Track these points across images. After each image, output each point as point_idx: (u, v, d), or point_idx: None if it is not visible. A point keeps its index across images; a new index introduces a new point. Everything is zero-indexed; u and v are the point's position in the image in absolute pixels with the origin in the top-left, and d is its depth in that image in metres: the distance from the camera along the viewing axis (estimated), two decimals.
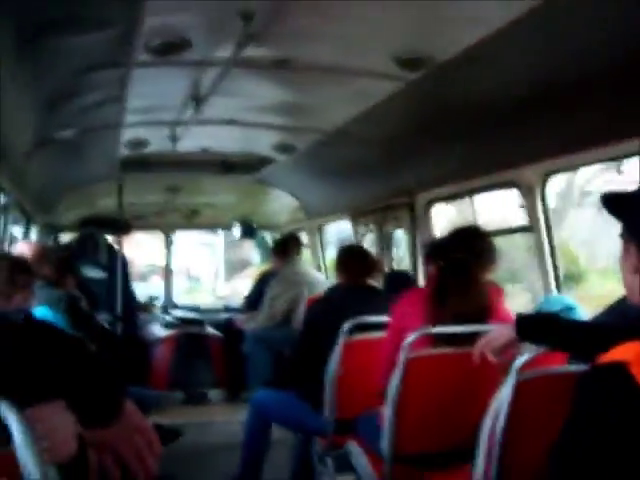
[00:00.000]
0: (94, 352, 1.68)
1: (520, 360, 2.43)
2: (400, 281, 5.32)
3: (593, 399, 1.46)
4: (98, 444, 1.50)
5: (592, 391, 1.47)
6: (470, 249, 3.50)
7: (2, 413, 1.20)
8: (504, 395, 2.45)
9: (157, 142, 5.84)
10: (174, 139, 5.55)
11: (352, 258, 4.59)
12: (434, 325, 3.30)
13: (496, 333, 2.59)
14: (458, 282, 3.41)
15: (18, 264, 3.73)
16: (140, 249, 8.77)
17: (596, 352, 1.54)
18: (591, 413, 1.45)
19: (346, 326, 3.96)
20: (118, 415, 1.52)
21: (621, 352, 1.46)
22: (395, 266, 6.01)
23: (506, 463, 2.48)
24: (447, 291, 3.42)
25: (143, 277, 9.33)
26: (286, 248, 6.77)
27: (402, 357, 3.21)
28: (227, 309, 8.54)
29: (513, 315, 3.54)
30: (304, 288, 6.45)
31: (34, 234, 6.51)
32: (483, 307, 3.37)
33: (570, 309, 3.65)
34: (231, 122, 5.16)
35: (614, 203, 1.77)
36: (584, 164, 3.83)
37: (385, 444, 3.31)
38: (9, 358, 1.28)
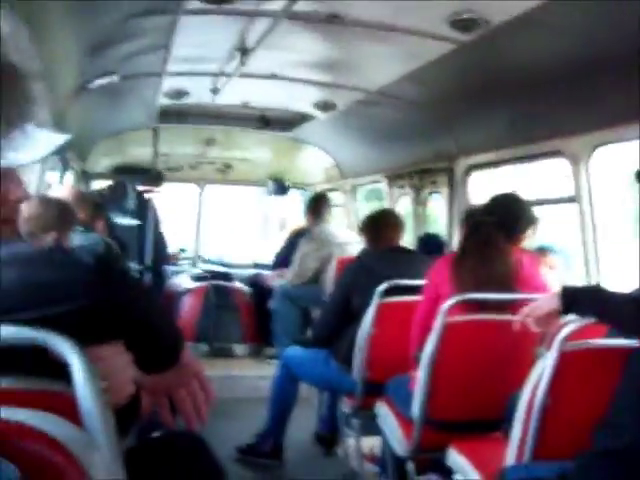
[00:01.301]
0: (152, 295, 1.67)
1: (565, 331, 2.40)
2: (433, 244, 5.31)
3: None
4: (155, 388, 1.51)
5: None
6: (498, 214, 3.46)
7: (63, 352, 1.19)
8: (546, 366, 2.43)
9: (197, 93, 5.80)
10: (215, 91, 5.52)
11: (381, 223, 4.57)
12: (458, 289, 3.28)
13: (540, 302, 2.56)
14: (477, 246, 3.39)
15: (66, 206, 3.75)
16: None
17: None
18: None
19: (381, 287, 3.95)
20: (177, 360, 1.52)
21: None
22: (429, 230, 5.97)
23: (543, 433, 2.46)
24: (466, 255, 3.40)
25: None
26: (318, 207, 6.74)
27: (439, 322, 3.19)
28: (256, 265, 8.54)
29: (549, 284, 3.54)
30: (335, 248, 6.43)
31: (69, 180, 6.52)
32: (505, 272, 3.34)
33: None
34: (273, 76, 5.10)
35: None
36: (634, 138, 3.74)
37: (416, 408, 3.31)
38: (77, 297, 1.27)
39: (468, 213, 4.11)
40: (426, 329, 3.36)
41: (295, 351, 4.78)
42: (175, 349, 1.54)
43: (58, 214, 3.58)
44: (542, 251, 4.13)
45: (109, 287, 1.34)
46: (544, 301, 2.56)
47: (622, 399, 1.51)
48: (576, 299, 2.47)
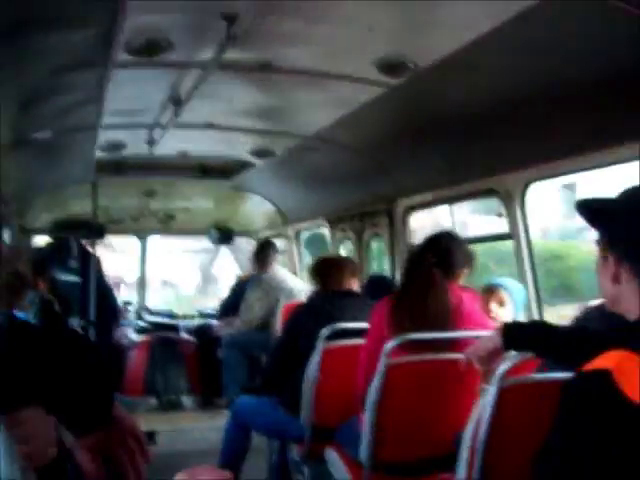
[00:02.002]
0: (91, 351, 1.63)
1: (503, 367, 2.42)
2: (380, 286, 5.31)
3: (577, 406, 1.46)
4: (90, 449, 1.47)
5: (576, 398, 1.48)
6: (434, 253, 3.49)
7: None
8: (487, 402, 2.44)
9: (134, 145, 5.78)
10: (152, 142, 5.50)
11: (329, 266, 4.57)
12: (397, 330, 3.29)
13: (482, 341, 2.58)
14: (415, 286, 3.42)
15: (18, 274, 3.67)
16: (115, 255, 8.63)
17: (582, 360, 1.54)
18: (576, 420, 1.46)
19: (325, 332, 3.93)
20: (109, 419, 1.49)
21: (605, 360, 1.46)
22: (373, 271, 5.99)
23: (488, 470, 2.46)
24: (405, 295, 3.42)
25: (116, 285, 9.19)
26: (264, 254, 6.74)
27: (381, 364, 3.19)
28: (201, 315, 8.47)
29: (489, 321, 3.57)
30: (282, 294, 6.42)
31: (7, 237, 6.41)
32: (443, 311, 3.36)
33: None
34: (210, 126, 5.12)
35: (588, 211, 1.77)
36: (564, 173, 3.83)
37: (364, 451, 3.28)
38: None
39: (409, 253, 4.14)
40: (371, 372, 3.35)
41: (243, 400, 4.72)
42: (105, 408, 1.51)
43: (9, 285, 3.50)
44: (492, 288, 4.16)
45: (20, 351, 1.31)
46: (486, 339, 2.58)
47: (553, 431, 1.52)
48: (516, 335, 2.49)
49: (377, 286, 5.24)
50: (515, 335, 2.50)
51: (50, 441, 1.29)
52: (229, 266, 9.25)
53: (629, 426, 1.38)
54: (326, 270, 4.54)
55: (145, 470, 1.64)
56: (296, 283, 6.78)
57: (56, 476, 1.33)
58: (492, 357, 2.55)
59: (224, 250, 9.13)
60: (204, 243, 9.02)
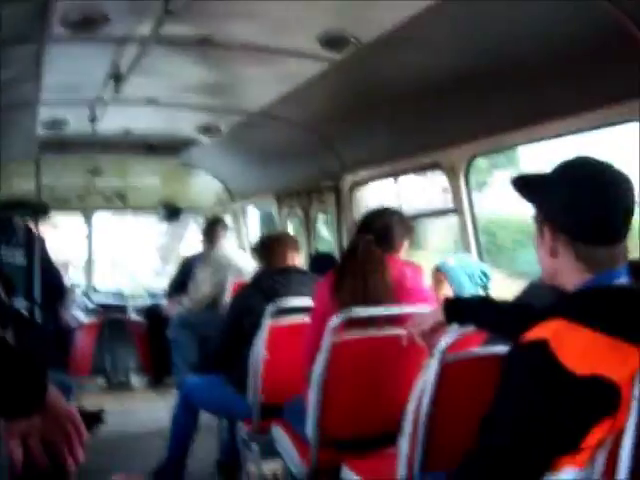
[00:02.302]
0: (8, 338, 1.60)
1: (444, 341, 2.43)
2: (325, 263, 5.31)
3: (519, 375, 1.50)
4: (24, 433, 1.45)
5: (517, 368, 1.51)
6: (374, 229, 3.48)
7: None
8: (428, 377, 2.44)
9: (76, 122, 5.68)
10: (94, 119, 5.41)
11: (272, 243, 4.55)
12: (339, 307, 3.28)
13: (424, 316, 2.59)
14: (354, 263, 3.41)
15: None
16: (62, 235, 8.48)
17: (521, 330, 1.56)
18: (517, 387, 1.50)
19: (270, 309, 3.92)
20: (42, 403, 1.47)
21: (542, 330, 1.50)
22: (319, 248, 6.00)
23: (430, 445, 2.48)
24: (345, 273, 3.42)
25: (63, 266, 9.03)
26: (212, 231, 6.68)
27: (326, 342, 3.18)
28: (150, 294, 8.39)
29: (433, 295, 3.58)
30: (230, 272, 6.38)
31: None
32: (383, 287, 3.36)
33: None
34: (152, 102, 5.04)
35: (524, 186, 1.79)
36: (507, 147, 3.86)
37: (310, 428, 3.28)
38: None
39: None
40: (316, 349, 3.35)
41: (191, 379, 4.70)
42: (37, 392, 1.49)
43: None
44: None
45: None
46: (428, 314, 2.59)
47: (496, 401, 1.56)
48: (458, 310, 2.50)
49: (322, 263, 5.24)
50: (457, 309, 2.51)
51: None
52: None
53: (566, 392, 1.41)
54: (269, 247, 4.52)
55: (82, 453, 1.62)
56: (244, 260, 6.75)
57: None
58: (434, 331, 2.56)
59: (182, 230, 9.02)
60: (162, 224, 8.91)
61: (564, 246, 1.68)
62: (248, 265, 6.51)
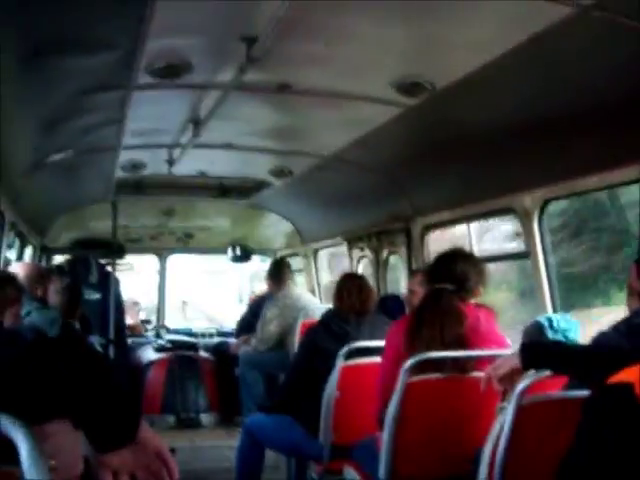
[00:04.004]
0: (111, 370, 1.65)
1: (522, 385, 2.43)
2: (393, 305, 5.33)
3: (599, 419, 1.47)
4: (115, 467, 1.47)
5: (598, 411, 1.49)
6: (451, 275, 3.49)
7: (8, 431, 1.18)
8: (506, 419, 2.44)
9: (154, 165, 5.84)
10: (171, 162, 5.56)
11: (350, 285, 4.58)
12: (410, 353, 3.29)
13: (502, 361, 2.59)
14: (435, 315, 3.42)
15: (8, 279, 3.70)
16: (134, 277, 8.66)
17: (601, 375, 1.55)
18: (597, 432, 1.47)
19: (344, 350, 3.95)
20: (134, 437, 1.49)
21: (626, 374, 1.47)
22: (390, 291, 6.01)
23: None
24: (424, 322, 3.42)
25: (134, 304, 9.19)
26: (280, 272, 6.76)
27: (400, 382, 3.19)
28: (219, 333, 8.49)
29: (504, 338, 3.57)
30: (298, 312, 6.43)
31: (27, 256, 6.48)
32: (461, 335, 3.36)
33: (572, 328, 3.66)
34: (228, 146, 5.17)
35: None
36: (581, 191, 3.84)
37: (382, 469, 3.28)
38: (18, 375, 1.26)
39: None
40: (388, 391, 3.36)
41: (258, 418, 4.73)
42: (130, 426, 1.52)
43: None
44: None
45: (48, 365, 1.33)
46: (505, 359, 2.59)
47: (577, 444, 1.54)
48: (535, 354, 2.50)
49: (391, 305, 5.27)
50: (534, 354, 2.51)
51: (77, 456, 1.31)
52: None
53: None
54: (347, 289, 4.54)
55: None
56: (312, 301, 6.80)
57: None
58: (512, 376, 2.56)
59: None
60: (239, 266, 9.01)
61: None
62: (316, 305, 6.56)
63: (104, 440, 1.45)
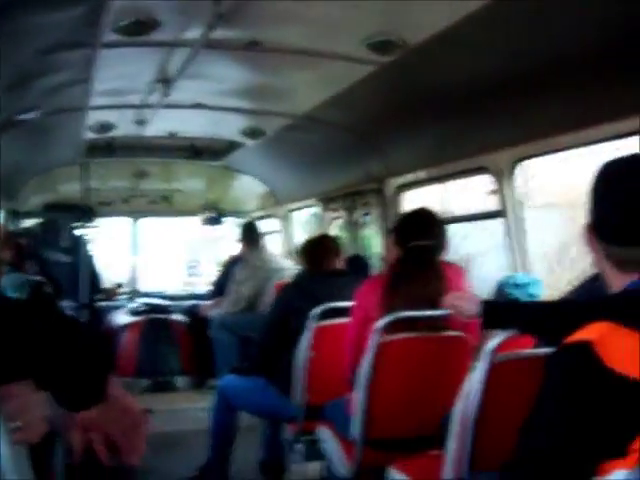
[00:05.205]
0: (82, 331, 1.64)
1: (493, 343, 2.43)
2: (358, 265, 5.36)
3: (560, 378, 1.48)
4: (86, 425, 1.48)
5: (559, 370, 1.50)
6: (425, 232, 3.49)
7: None
8: (476, 378, 2.45)
9: (123, 126, 5.76)
10: (141, 123, 5.49)
11: (316, 247, 4.58)
12: (391, 310, 3.29)
13: (465, 300, 2.62)
14: (413, 271, 3.42)
15: None
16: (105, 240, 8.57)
17: (562, 333, 1.55)
18: (558, 391, 1.48)
19: (316, 311, 3.94)
20: (104, 394, 1.49)
21: (586, 332, 1.48)
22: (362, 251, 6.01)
23: (478, 446, 2.48)
24: (401, 279, 3.42)
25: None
26: (251, 234, 6.76)
27: (373, 342, 3.20)
28: (193, 296, 8.47)
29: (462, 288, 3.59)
30: (269, 273, 6.45)
31: None
32: (440, 292, 3.37)
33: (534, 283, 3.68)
34: (199, 106, 5.10)
35: None
36: (553, 150, 3.83)
37: (356, 428, 3.30)
38: None
39: (392, 232, 4.05)
40: (358, 351, 3.38)
41: (230, 380, 4.73)
42: (99, 385, 1.51)
43: None
44: None
45: (10, 327, 1.31)
46: (468, 300, 2.62)
47: (538, 402, 1.55)
48: (498, 316, 2.52)
49: (356, 265, 5.29)
50: (494, 313, 2.53)
51: (40, 417, 1.30)
52: None
53: (612, 395, 1.40)
54: (313, 251, 4.56)
55: (143, 445, 1.64)
56: (283, 262, 6.81)
57: (46, 452, 1.34)
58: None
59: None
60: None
61: (602, 251, 1.68)
62: (288, 267, 6.57)
63: (74, 399, 1.45)
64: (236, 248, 7.08)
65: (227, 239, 9.00)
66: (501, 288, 3.58)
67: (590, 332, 1.48)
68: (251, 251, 6.65)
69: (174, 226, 9.66)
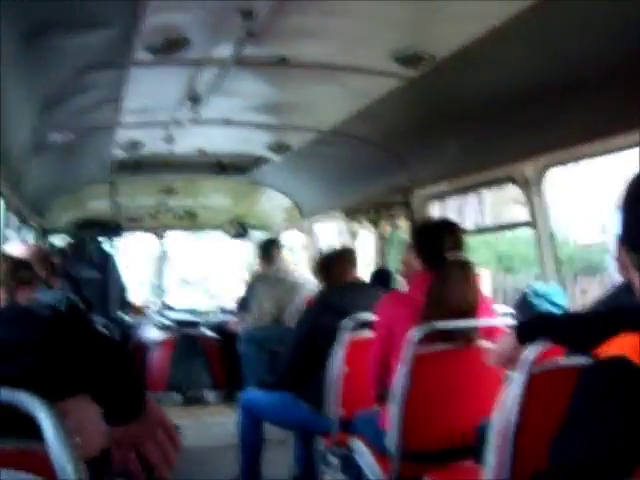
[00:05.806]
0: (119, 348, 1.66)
1: (530, 353, 2.43)
2: (382, 278, 5.39)
3: (601, 390, 1.47)
4: (122, 440, 1.50)
5: (599, 382, 1.48)
6: (458, 245, 3.50)
7: (32, 408, 1.18)
8: (514, 388, 2.45)
9: (152, 143, 5.81)
10: (169, 140, 5.54)
11: (332, 260, 4.59)
12: (407, 322, 3.29)
13: (500, 346, 2.61)
14: (459, 282, 3.42)
15: (19, 260, 3.70)
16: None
17: (593, 343, 1.54)
18: (599, 404, 1.46)
19: (348, 324, 3.96)
20: (142, 411, 1.52)
21: (619, 345, 1.47)
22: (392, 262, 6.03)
23: (518, 457, 2.47)
24: (446, 291, 3.42)
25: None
26: (268, 251, 6.83)
27: (408, 354, 3.20)
28: (222, 310, 8.51)
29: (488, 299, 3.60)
30: (290, 287, 6.52)
31: (27, 237, 6.47)
32: (476, 304, 3.39)
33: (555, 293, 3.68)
34: (227, 122, 5.14)
35: None
36: (581, 158, 3.83)
37: (392, 442, 3.30)
38: (38, 350, 1.28)
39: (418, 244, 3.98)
40: (383, 367, 3.40)
41: (253, 394, 4.76)
42: (138, 400, 1.54)
43: (8, 270, 3.51)
44: None
45: (67, 341, 1.34)
46: (503, 344, 2.61)
47: (570, 415, 1.54)
48: (530, 331, 2.52)
49: (378, 278, 5.32)
50: (528, 330, 2.53)
51: (99, 431, 1.32)
52: None
53: None
54: (329, 264, 4.56)
55: (175, 461, 1.66)
56: (302, 276, 6.86)
57: (103, 467, 1.37)
58: (513, 355, 2.58)
59: None
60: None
61: (632, 261, 1.68)
62: (306, 280, 6.62)
63: (116, 414, 1.47)
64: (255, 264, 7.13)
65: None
66: (523, 300, 3.60)
67: (623, 345, 1.47)
68: (269, 267, 6.73)
69: (198, 242, 9.72)
